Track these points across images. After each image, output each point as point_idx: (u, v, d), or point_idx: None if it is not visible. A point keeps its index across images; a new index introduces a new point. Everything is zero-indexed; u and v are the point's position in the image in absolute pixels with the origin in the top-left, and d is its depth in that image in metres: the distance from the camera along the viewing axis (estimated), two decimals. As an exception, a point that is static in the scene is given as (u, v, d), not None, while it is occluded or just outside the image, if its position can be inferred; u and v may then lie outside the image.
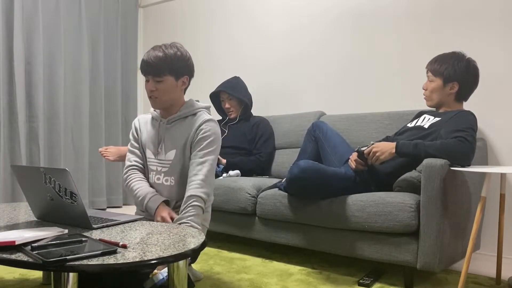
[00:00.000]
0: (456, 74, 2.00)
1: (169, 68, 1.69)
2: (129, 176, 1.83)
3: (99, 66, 3.69)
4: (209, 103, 3.08)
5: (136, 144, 1.89)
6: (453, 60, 2.02)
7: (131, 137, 1.90)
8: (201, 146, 1.70)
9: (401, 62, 2.59)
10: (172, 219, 1.65)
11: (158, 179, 1.78)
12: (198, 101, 1.86)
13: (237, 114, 2.96)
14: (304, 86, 3.02)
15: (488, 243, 2.24)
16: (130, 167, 1.86)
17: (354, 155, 2.05)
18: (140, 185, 1.79)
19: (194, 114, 1.77)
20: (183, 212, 1.62)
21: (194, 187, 1.66)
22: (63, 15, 3.43)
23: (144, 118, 1.89)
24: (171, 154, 1.75)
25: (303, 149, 2.43)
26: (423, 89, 2.11)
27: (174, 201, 1.79)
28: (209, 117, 1.75)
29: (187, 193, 1.66)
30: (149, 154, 1.83)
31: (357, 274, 2.12)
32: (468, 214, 1.97)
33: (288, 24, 3.09)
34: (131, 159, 1.87)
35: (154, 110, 1.87)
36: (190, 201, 1.64)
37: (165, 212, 1.67)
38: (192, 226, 1.58)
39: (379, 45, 2.67)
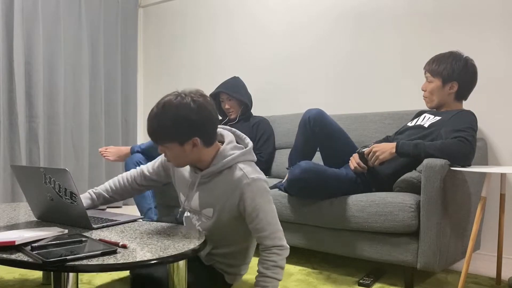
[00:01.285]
0: (454, 73, 2.00)
1: (167, 138, 1.45)
2: (121, 175, 1.75)
3: (99, 66, 3.69)
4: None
5: (162, 173, 1.72)
6: (451, 60, 2.02)
7: (160, 163, 1.71)
8: (257, 220, 1.48)
9: (401, 61, 2.59)
10: None
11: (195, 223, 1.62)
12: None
13: (237, 114, 2.96)
14: (304, 85, 3.01)
15: (488, 243, 2.24)
16: (134, 170, 1.76)
17: (355, 157, 2.05)
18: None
19: (230, 167, 1.52)
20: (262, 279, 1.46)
21: (273, 255, 1.47)
22: (63, 15, 3.43)
23: None
24: (209, 212, 1.56)
25: (298, 146, 2.24)
26: (422, 90, 2.11)
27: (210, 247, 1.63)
28: (250, 178, 1.48)
29: (268, 260, 1.47)
30: (182, 198, 1.66)
31: (357, 274, 2.12)
32: (468, 214, 1.97)
33: (289, 24, 3.09)
34: (144, 168, 1.73)
35: None
36: (268, 273, 1.46)
37: None
38: None
39: (380, 45, 2.67)
